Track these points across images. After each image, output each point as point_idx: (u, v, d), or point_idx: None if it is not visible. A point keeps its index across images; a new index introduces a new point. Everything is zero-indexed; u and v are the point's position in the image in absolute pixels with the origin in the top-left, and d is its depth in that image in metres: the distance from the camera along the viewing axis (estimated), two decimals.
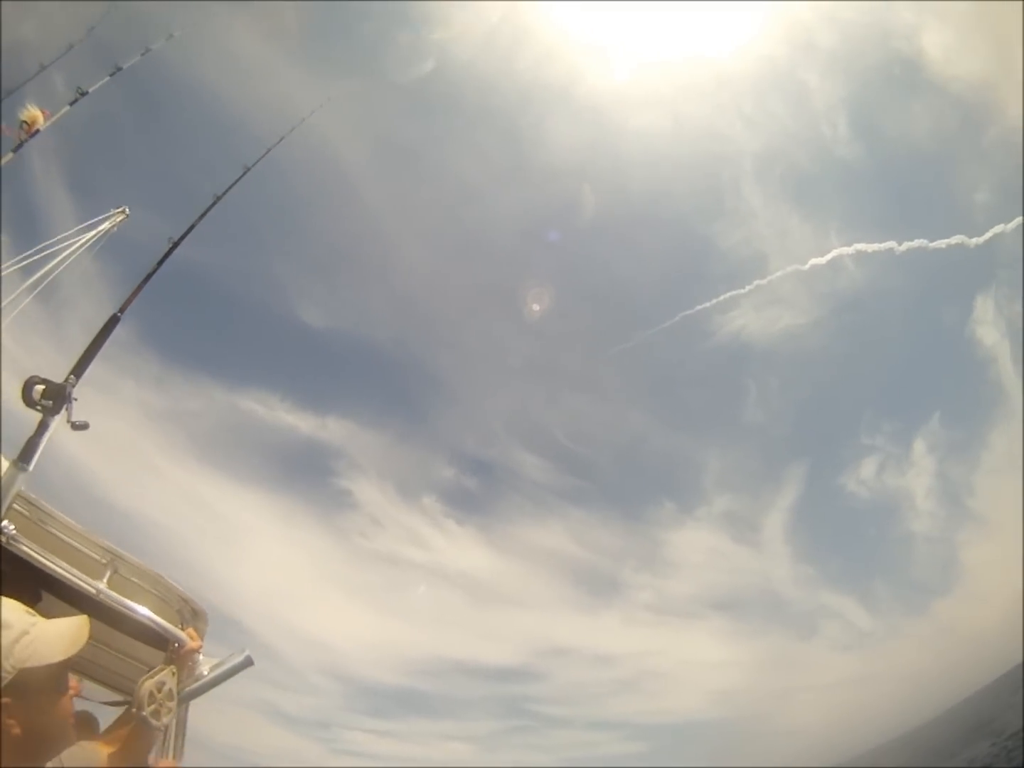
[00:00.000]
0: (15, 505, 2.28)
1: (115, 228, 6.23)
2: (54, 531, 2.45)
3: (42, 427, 2.32)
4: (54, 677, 1.68)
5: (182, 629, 2.51)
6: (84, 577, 2.34)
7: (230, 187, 3.57)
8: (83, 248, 6.05)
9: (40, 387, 2.33)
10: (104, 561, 2.49)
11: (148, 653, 2.49)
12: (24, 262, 5.90)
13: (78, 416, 2.36)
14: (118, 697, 3.06)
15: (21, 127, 5.63)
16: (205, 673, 2.34)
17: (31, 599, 2.10)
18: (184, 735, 2.64)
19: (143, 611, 2.40)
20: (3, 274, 5.81)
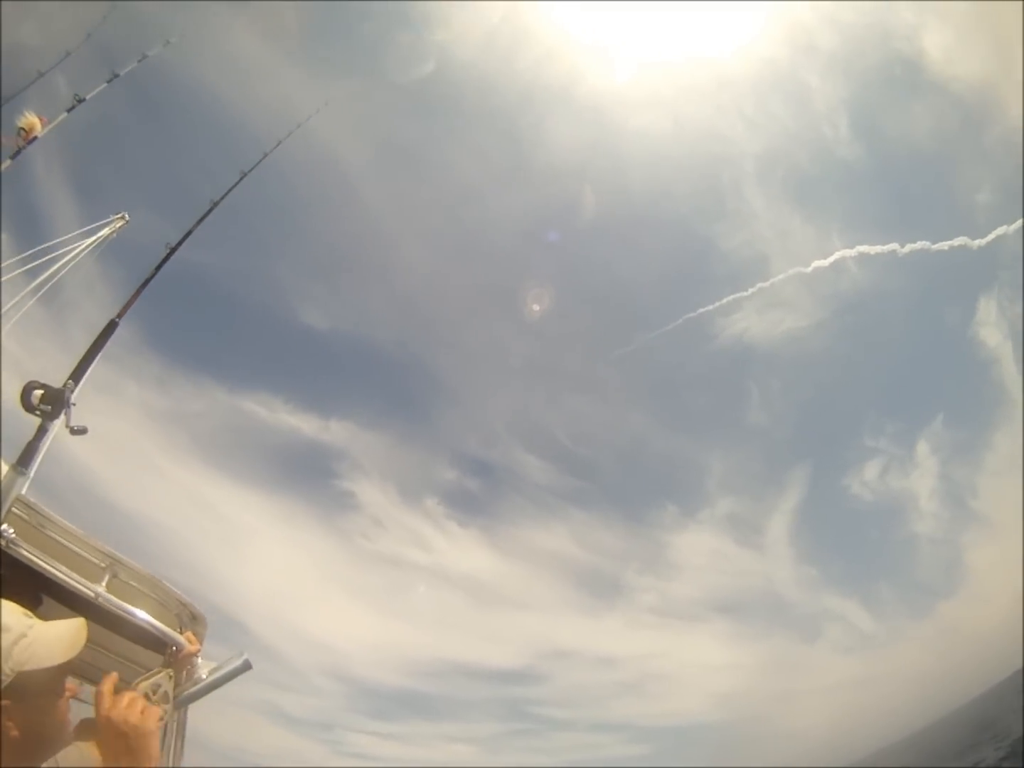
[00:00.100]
0: (14, 509, 2.29)
1: (115, 234, 6.28)
2: (53, 535, 2.46)
3: (41, 432, 2.34)
4: (52, 680, 1.69)
5: (181, 633, 2.52)
6: (83, 581, 2.35)
7: (226, 193, 3.59)
8: (83, 254, 6.09)
9: (39, 392, 2.35)
10: (103, 565, 2.50)
11: (147, 657, 2.50)
12: (25, 267, 5.94)
13: (77, 421, 2.38)
14: None
15: (19, 134, 5.67)
16: (204, 677, 2.35)
17: (31, 602, 2.11)
18: (184, 738, 2.65)
19: (142, 615, 2.41)
20: (5, 280, 5.85)
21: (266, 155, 4.04)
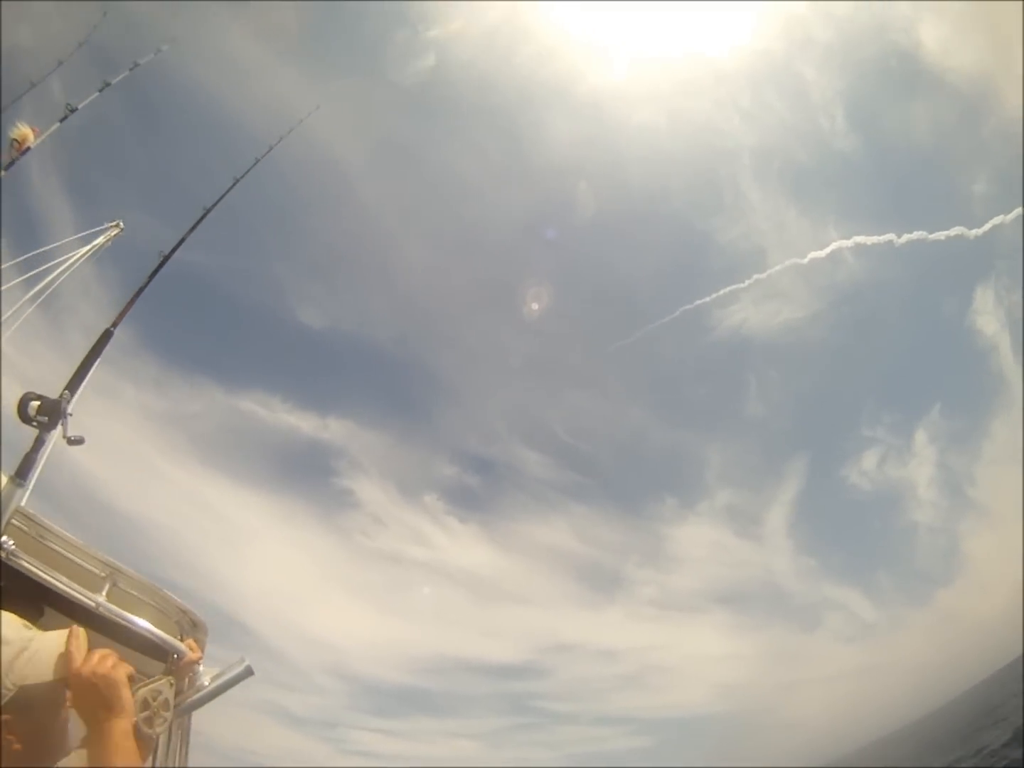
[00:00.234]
0: (14, 520, 2.29)
1: (109, 242, 6.28)
2: (53, 545, 2.46)
3: (39, 443, 2.34)
4: (54, 691, 1.70)
5: (182, 641, 2.52)
6: (84, 591, 2.35)
7: (219, 200, 3.58)
8: (78, 263, 6.09)
9: (35, 403, 2.35)
10: (103, 574, 2.50)
11: (149, 665, 2.50)
12: (23, 276, 5.94)
13: (74, 431, 2.38)
14: None
15: (12, 145, 5.67)
16: (206, 684, 2.35)
17: (31, 613, 2.12)
18: (188, 745, 2.66)
19: (142, 623, 2.41)
20: (4, 288, 5.84)
21: (257, 161, 4.03)
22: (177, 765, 2.61)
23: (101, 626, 2.34)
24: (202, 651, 2.51)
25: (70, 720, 1.80)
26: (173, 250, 3.18)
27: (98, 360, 2.67)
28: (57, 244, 6.27)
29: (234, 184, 3.73)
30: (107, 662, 1.78)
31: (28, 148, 5.62)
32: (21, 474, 2.30)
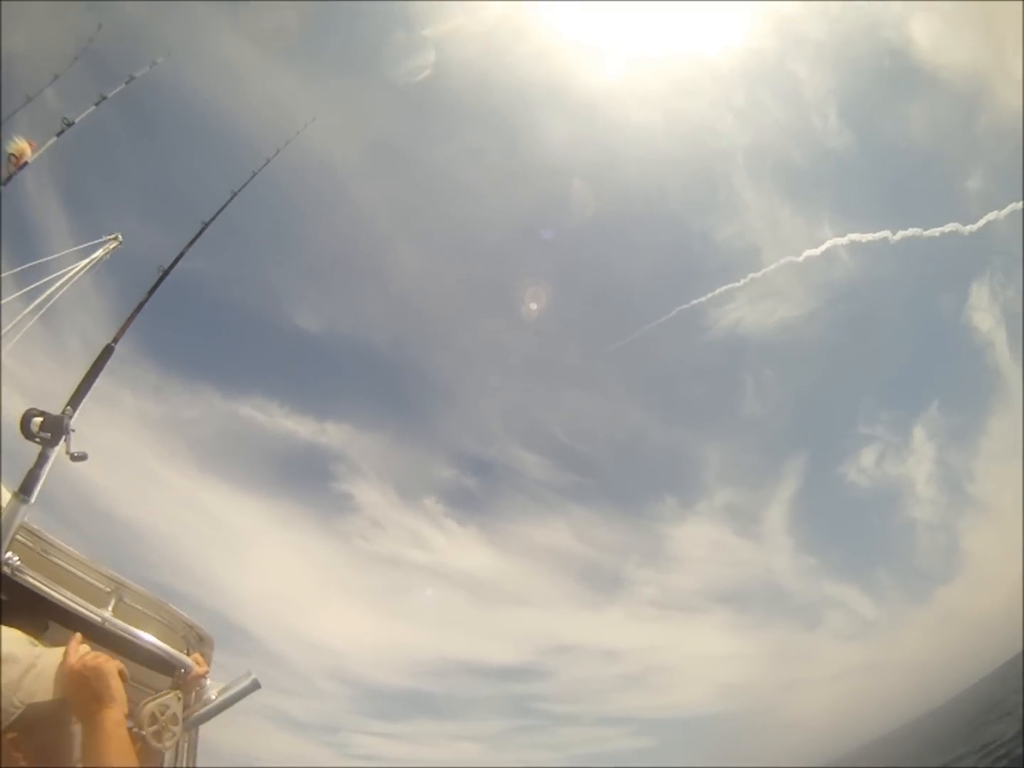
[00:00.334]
0: (18, 536, 2.30)
1: (108, 255, 6.28)
2: (58, 561, 2.47)
3: (42, 459, 2.35)
4: (62, 708, 1.70)
5: (188, 655, 2.53)
6: (89, 606, 2.36)
7: (217, 213, 3.59)
8: (77, 276, 6.09)
9: (38, 419, 2.35)
10: (108, 590, 2.51)
11: (156, 679, 2.51)
12: (21, 291, 5.94)
13: (77, 447, 2.38)
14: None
15: (9, 160, 5.68)
16: (213, 697, 2.36)
17: (37, 629, 2.12)
18: (196, 758, 2.66)
19: (148, 638, 2.42)
20: (4, 303, 5.84)
21: (254, 174, 4.04)
22: None
23: (107, 641, 2.34)
24: (209, 665, 2.51)
25: (77, 736, 1.80)
26: (172, 265, 3.19)
27: (100, 375, 2.68)
28: (56, 256, 6.29)
29: (232, 198, 3.74)
30: (99, 657, 1.79)
31: (26, 163, 5.63)
32: (25, 490, 2.30)
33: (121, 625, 2.38)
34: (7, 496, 2.36)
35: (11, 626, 1.76)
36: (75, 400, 2.52)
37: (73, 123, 5.96)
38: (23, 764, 1.56)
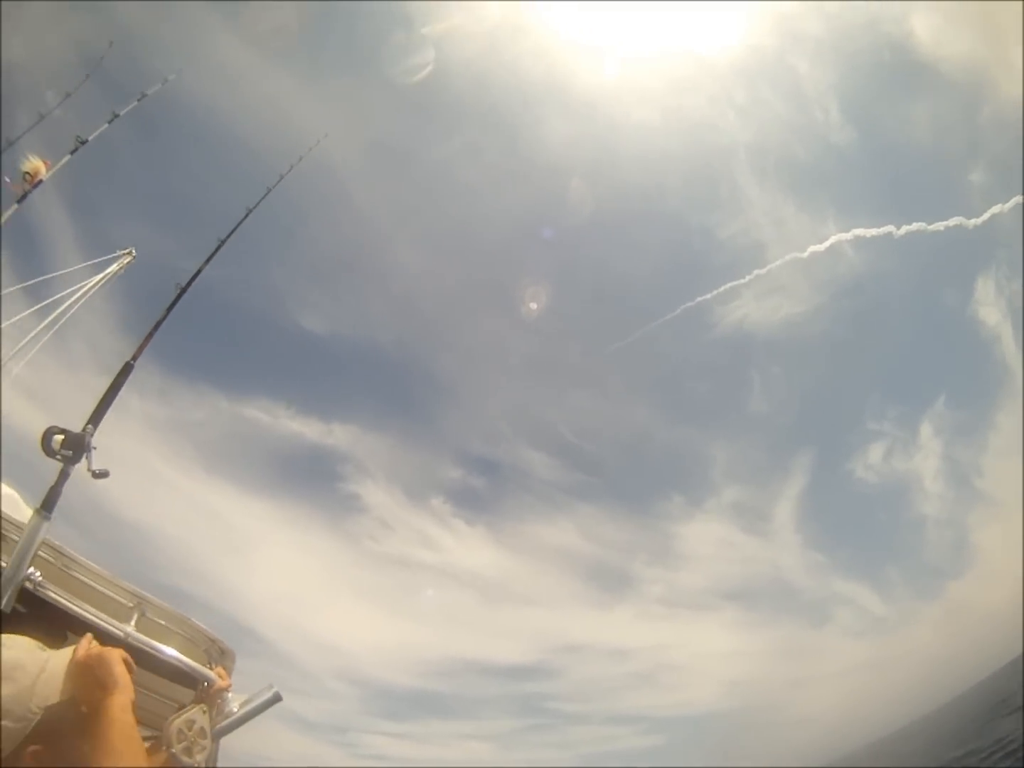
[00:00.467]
0: (41, 552, 2.33)
1: (122, 270, 6.37)
2: (80, 576, 2.50)
3: (63, 476, 2.38)
4: (78, 705, 1.69)
5: (210, 668, 2.54)
6: (112, 621, 2.38)
7: (233, 230, 3.62)
8: (92, 291, 6.18)
9: (59, 437, 2.38)
10: (131, 605, 2.53)
11: (178, 692, 2.52)
12: (35, 307, 6.03)
13: (98, 464, 2.41)
14: (146, 732, 3.09)
15: (24, 178, 5.77)
16: (235, 710, 2.37)
17: (58, 644, 2.15)
18: None
19: (171, 652, 2.43)
20: (17, 318, 5.93)
21: (269, 191, 4.08)
22: None
23: (131, 654, 2.36)
24: (230, 678, 2.52)
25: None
26: (190, 282, 3.22)
27: (119, 392, 2.71)
28: (70, 270, 6.37)
29: (247, 215, 3.78)
30: (104, 649, 1.83)
31: (40, 181, 5.72)
32: (47, 507, 2.33)
33: (143, 639, 2.40)
34: (29, 513, 2.39)
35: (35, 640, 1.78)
36: (95, 417, 2.55)
37: (87, 141, 6.06)
38: None
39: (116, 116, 6.33)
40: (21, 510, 3.20)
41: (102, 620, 2.36)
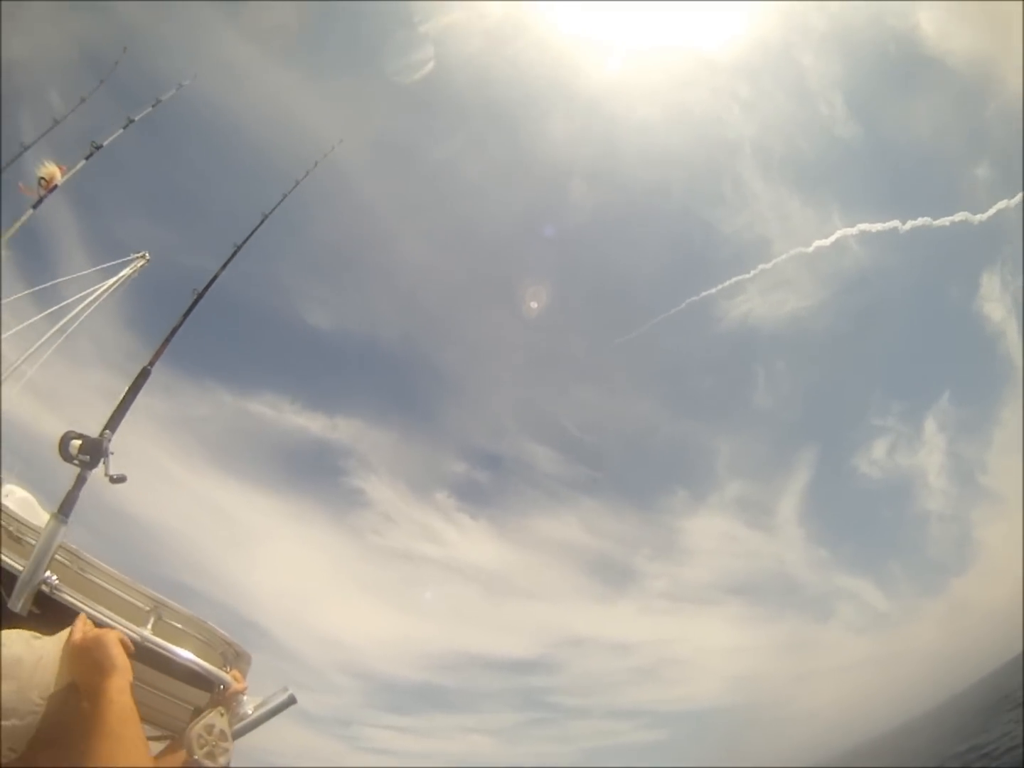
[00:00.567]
0: (57, 556, 2.35)
1: (136, 273, 6.42)
2: (97, 580, 2.51)
3: (80, 481, 2.40)
4: (73, 690, 1.68)
5: (226, 671, 2.55)
6: (128, 624, 2.38)
7: (249, 236, 3.62)
8: (107, 294, 6.23)
9: (77, 442, 2.41)
10: (147, 608, 2.54)
11: (195, 695, 2.53)
12: (48, 310, 6.10)
13: (115, 469, 2.43)
14: (159, 732, 3.10)
15: (40, 183, 5.83)
16: (250, 712, 2.37)
17: None
18: None
19: (187, 655, 2.44)
20: (29, 322, 6.00)
21: (285, 196, 4.08)
22: None
23: (148, 658, 2.37)
24: (245, 680, 2.53)
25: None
26: (207, 287, 3.23)
27: (136, 398, 2.73)
28: (85, 272, 6.43)
29: (263, 220, 3.78)
30: (100, 631, 1.83)
31: (56, 186, 5.77)
32: (63, 511, 2.36)
33: (160, 643, 2.40)
34: (46, 517, 2.41)
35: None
36: (113, 422, 2.57)
37: (102, 146, 6.10)
38: None
39: (131, 121, 6.37)
40: (38, 514, 3.23)
41: (118, 623, 2.37)
